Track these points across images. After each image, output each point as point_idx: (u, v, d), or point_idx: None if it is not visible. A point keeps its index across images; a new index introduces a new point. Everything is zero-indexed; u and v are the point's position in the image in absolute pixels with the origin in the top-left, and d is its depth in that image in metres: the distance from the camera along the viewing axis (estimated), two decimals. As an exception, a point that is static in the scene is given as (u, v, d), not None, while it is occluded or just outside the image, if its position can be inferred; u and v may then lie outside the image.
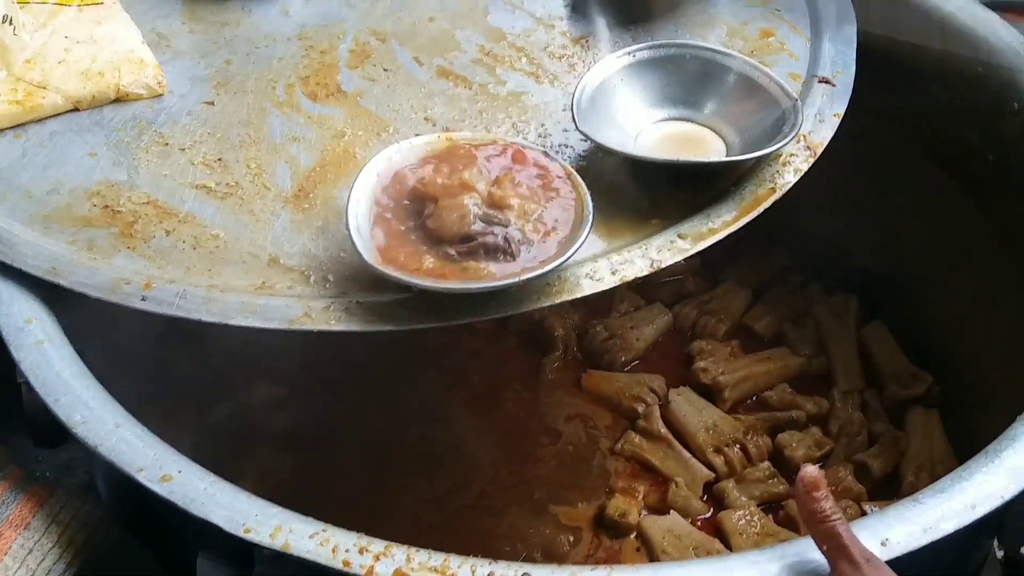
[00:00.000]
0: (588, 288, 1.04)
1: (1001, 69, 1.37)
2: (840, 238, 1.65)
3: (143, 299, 1.01)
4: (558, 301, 1.03)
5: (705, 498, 1.42)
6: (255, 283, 1.03)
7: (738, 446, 1.46)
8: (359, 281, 1.03)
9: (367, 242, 1.00)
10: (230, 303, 1.02)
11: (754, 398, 1.54)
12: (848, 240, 1.65)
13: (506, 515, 1.39)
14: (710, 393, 1.53)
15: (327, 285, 1.03)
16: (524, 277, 0.98)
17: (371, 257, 0.98)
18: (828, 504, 0.86)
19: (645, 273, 1.06)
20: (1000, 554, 1.46)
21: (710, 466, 1.44)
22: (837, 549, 0.84)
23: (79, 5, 1.25)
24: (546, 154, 1.08)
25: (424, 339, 1.57)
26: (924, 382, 1.52)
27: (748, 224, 1.66)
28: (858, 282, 1.65)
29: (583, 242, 1.01)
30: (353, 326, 1.00)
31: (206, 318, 1.01)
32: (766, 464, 1.44)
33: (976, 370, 1.48)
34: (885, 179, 1.58)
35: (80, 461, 1.61)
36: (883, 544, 0.90)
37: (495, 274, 0.99)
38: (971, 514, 0.92)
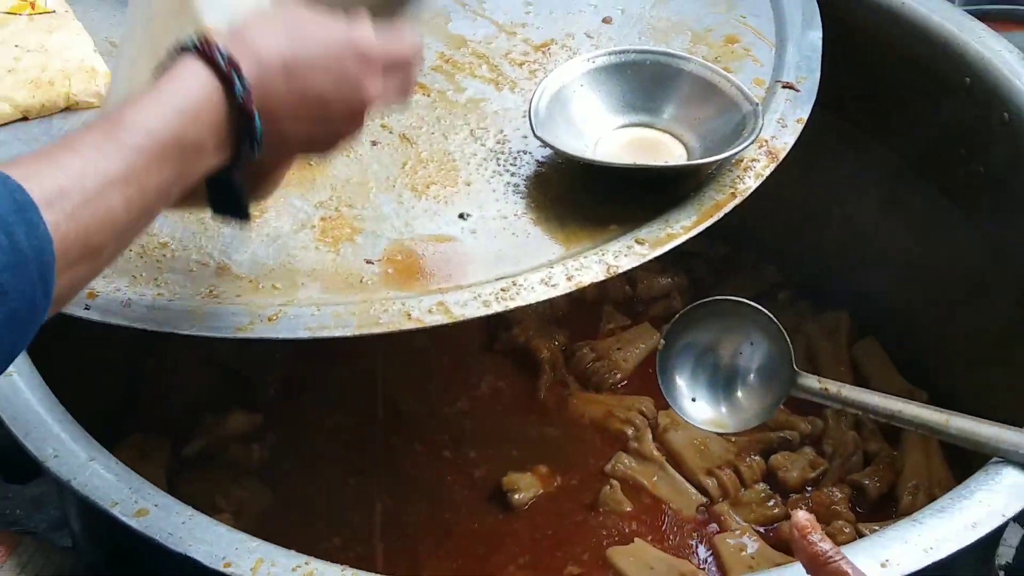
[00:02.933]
0: (543, 294, 1.10)
1: (988, 79, 1.44)
2: (832, 255, 1.72)
3: (86, 307, 1.07)
4: (513, 307, 1.10)
5: (703, 515, 1.49)
6: (202, 291, 1.10)
7: (731, 468, 1.52)
8: (308, 288, 1.10)
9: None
10: (177, 312, 1.08)
11: None
12: (840, 257, 1.71)
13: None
14: None
15: (277, 292, 1.09)
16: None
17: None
18: (827, 546, 0.89)
19: (601, 278, 1.12)
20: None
21: (702, 488, 1.51)
22: None
23: (30, 14, 1.32)
24: None
25: (408, 359, 1.63)
26: (920, 399, 1.54)
27: (734, 238, 1.76)
28: (850, 299, 1.71)
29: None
30: (299, 332, 1.06)
31: (151, 327, 1.06)
32: (762, 486, 1.51)
33: (972, 387, 1.53)
34: (876, 194, 1.65)
35: (50, 497, 1.67)
36: (883, 566, 0.96)
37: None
38: (972, 533, 0.98)
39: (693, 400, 1.22)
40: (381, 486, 1.48)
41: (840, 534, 1.42)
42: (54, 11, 1.35)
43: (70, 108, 1.27)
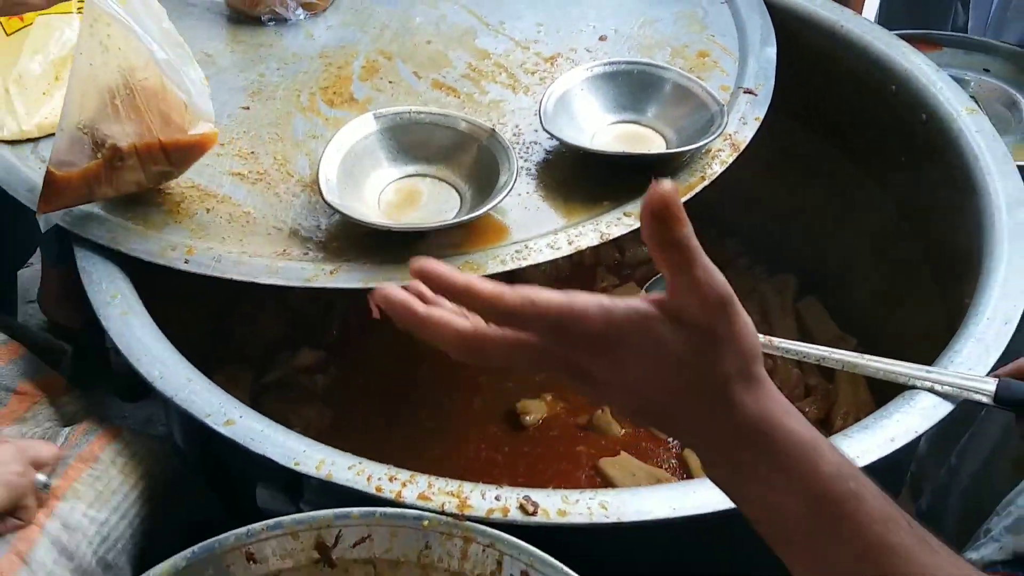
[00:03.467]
0: (548, 254, 1.11)
1: (911, 87, 1.42)
2: (780, 229, 1.70)
3: (186, 262, 1.09)
4: (524, 265, 1.10)
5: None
6: (278, 250, 1.11)
7: (696, 399, 1.51)
8: (359, 249, 1.10)
9: (334, 190, 1.08)
10: (257, 266, 1.09)
11: None
12: (787, 230, 1.69)
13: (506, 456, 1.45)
14: None
15: (335, 252, 1.10)
16: (452, 220, 1.07)
17: (332, 198, 1.07)
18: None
19: (596, 243, 1.12)
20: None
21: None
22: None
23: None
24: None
25: None
26: (849, 344, 1.55)
27: (704, 217, 1.73)
28: (795, 264, 1.68)
29: (505, 195, 1.08)
30: (354, 283, 1.07)
31: (237, 277, 1.08)
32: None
33: (892, 333, 1.51)
34: (815, 179, 1.62)
35: (159, 416, 1.68)
36: None
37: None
38: (891, 445, 0.97)
39: None
40: (420, 407, 1.48)
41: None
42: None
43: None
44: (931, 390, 1.02)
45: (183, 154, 1.11)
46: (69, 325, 1.79)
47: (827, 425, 1.48)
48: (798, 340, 1.57)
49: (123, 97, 1.04)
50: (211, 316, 1.51)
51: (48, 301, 1.84)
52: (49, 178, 1.07)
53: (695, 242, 0.62)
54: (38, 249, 1.82)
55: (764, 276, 1.71)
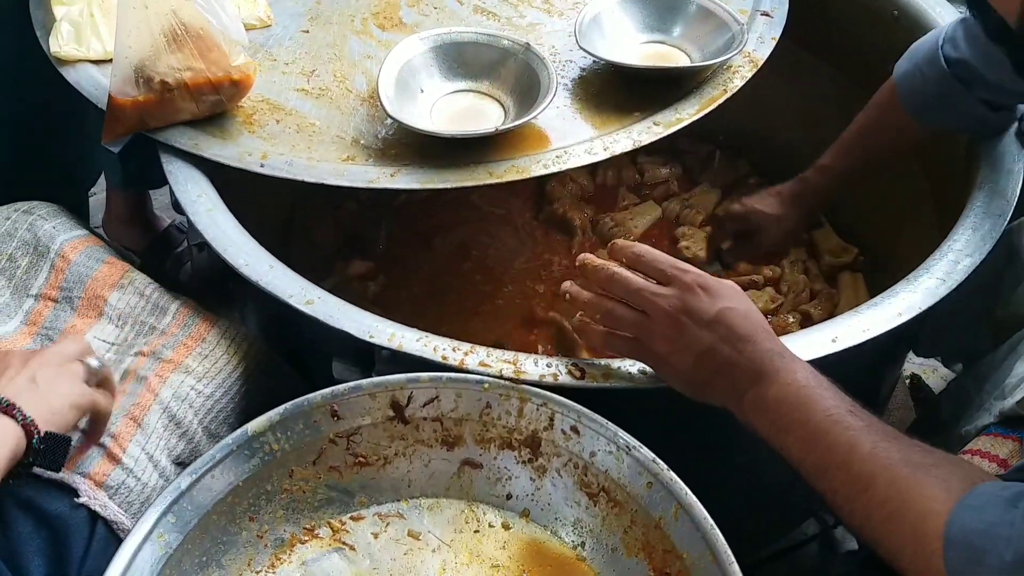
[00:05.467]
0: (587, 159, 1.16)
1: (910, 12, 1.45)
2: (788, 149, 1.72)
3: (261, 166, 1.14)
4: (564, 168, 1.15)
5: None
6: (342, 156, 1.16)
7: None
8: (415, 155, 1.15)
9: (393, 103, 1.13)
10: (325, 169, 1.14)
11: None
12: (796, 151, 1.70)
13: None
14: (691, 264, 1.62)
15: (394, 158, 1.15)
16: (503, 127, 1.11)
17: (391, 110, 1.12)
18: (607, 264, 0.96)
19: (629, 148, 1.17)
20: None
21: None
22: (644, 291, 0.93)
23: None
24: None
25: (477, 229, 1.66)
26: (851, 252, 1.61)
27: (716, 140, 1.79)
28: (802, 180, 1.72)
29: (549, 102, 1.12)
30: (413, 184, 1.12)
31: (308, 179, 1.13)
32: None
33: (888, 243, 1.57)
34: (824, 103, 1.65)
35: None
36: (833, 340, 1.01)
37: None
38: (898, 319, 1.03)
39: None
40: (460, 311, 1.54)
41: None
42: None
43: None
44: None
45: (232, 90, 1.16)
46: (131, 247, 1.85)
47: (832, 325, 1.53)
48: (804, 251, 1.66)
49: (169, 35, 1.09)
50: (272, 228, 1.56)
51: (111, 224, 1.89)
52: (111, 104, 1.12)
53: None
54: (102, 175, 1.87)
55: (772, 193, 1.75)
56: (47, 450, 0.85)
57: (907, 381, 1.64)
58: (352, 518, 0.97)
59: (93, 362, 0.93)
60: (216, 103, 1.17)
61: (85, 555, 0.89)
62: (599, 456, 0.93)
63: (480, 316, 1.54)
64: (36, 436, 0.84)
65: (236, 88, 1.16)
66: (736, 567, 0.82)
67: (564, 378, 0.97)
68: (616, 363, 0.99)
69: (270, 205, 1.42)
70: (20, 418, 0.84)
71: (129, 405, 0.99)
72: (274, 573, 0.93)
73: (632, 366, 0.98)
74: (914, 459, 0.79)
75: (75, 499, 0.92)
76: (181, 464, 1.02)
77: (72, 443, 0.90)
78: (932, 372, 1.69)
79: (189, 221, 1.12)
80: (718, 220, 1.64)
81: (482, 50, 1.23)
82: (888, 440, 0.81)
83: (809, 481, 0.85)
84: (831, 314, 1.55)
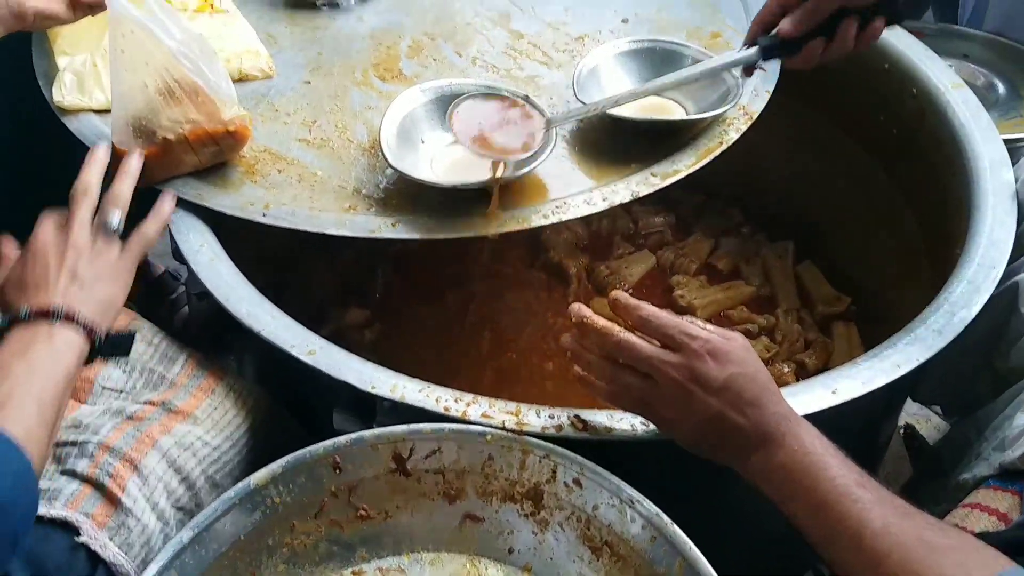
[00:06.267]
0: (585, 210, 1.16)
1: (902, 65, 1.47)
2: (780, 199, 1.76)
3: (264, 215, 1.14)
4: (564, 219, 1.15)
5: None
6: (344, 206, 1.16)
7: (709, 352, 1.57)
8: (416, 205, 1.16)
9: (394, 154, 1.14)
10: (327, 219, 1.14)
11: (720, 315, 1.65)
12: (787, 201, 1.75)
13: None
14: (686, 313, 1.57)
15: (395, 207, 1.16)
16: (504, 176, 1.11)
17: (393, 160, 1.12)
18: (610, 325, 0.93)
19: (627, 200, 1.18)
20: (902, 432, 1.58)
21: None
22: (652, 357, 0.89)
23: (211, 12, 1.37)
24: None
25: (474, 278, 1.66)
26: (844, 302, 1.62)
27: (709, 190, 1.81)
28: (793, 231, 1.74)
29: (549, 154, 1.13)
30: (414, 234, 1.13)
31: (310, 229, 1.13)
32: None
33: (881, 294, 1.58)
34: (814, 152, 1.67)
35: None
36: (833, 393, 1.01)
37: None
38: (897, 371, 1.03)
39: None
40: (458, 359, 1.53)
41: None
42: (227, 10, 1.39)
43: (242, 79, 1.32)
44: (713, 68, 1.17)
45: (230, 141, 1.17)
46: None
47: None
48: (797, 296, 1.67)
49: (164, 92, 1.10)
50: (269, 278, 1.56)
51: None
52: (117, 157, 1.12)
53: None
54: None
55: (765, 242, 1.77)
56: (112, 346, 0.92)
57: (901, 431, 1.64)
58: (353, 573, 0.96)
59: (113, 221, 0.97)
60: (216, 153, 1.17)
61: None
62: (602, 509, 0.93)
63: (476, 365, 1.53)
64: (98, 339, 0.90)
65: (234, 139, 1.17)
66: (742, 623, 0.82)
67: (567, 430, 0.97)
68: (618, 415, 0.99)
69: (268, 252, 1.41)
70: (81, 325, 0.88)
71: (127, 449, 0.98)
72: (274, 628, 0.91)
73: (634, 418, 0.98)
74: (929, 539, 0.77)
75: (76, 537, 0.90)
76: (182, 510, 1.01)
77: (135, 336, 0.98)
78: (926, 422, 1.70)
79: (190, 270, 1.11)
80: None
81: (482, 102, 1.24)
82: (901, 517, 0.79)
83: (816, 550, 0.84)
84: (826, 363, 1.56)
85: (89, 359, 0.91)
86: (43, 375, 0.85)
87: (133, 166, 1.05)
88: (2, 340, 0.87)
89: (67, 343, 0.88)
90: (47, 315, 0.88)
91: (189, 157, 1.15)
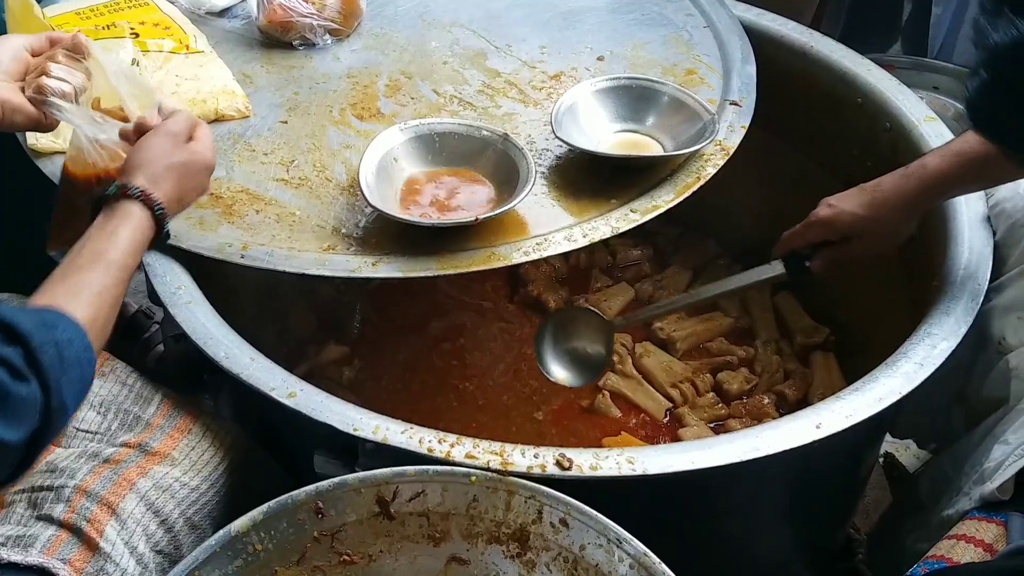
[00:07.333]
0: (566, 246, 1.17)
1: (875, 99, 1.49)
2: (757, 231, 1.74)
3: (242, 256, 1.14)
4: (545, 255, 1.16)
5: (667, 419, 1.54)
6: (323, 246, 1.16)
7: (689, 382, 1.57)
8: (396, 243, 1.15)
9: (374, 193, 1.14)
10: (306, 259, 1.14)
11: (699, 347, 1.65)
12: (763, 232, 1.73)
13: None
14: (666, 345, 1.63)
15: (375, 246, 1.15)
16: (482, 216, 1.12)
17: (372, 200, 1.12)
18: None
19: (608, 236, 1.18)
20: (882, 460, 1.59)
21: (669, 397, 1.56)
22: None
23: (186, 53, 1.37)
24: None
25: (454, 314, 1.66)
26: (823, 333, 1.63)
27: (686, 222, 1.82)
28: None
29: (529, 191, 1.14)
30: (395, 272, 1.12)
31: (289, 270, 1.13)
32: (712, 395, 1.56)
33: (860, 325, 1.59)
34: (790, 186, 1.68)
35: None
36: (817, 427, 1.01)
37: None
38: (879, 404, 1.04)
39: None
40: (437, 396, 1.53)
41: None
42: (203, 51, 1.40)
43: (218, 119, 1.32)
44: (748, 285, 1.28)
45: None
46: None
47: (805, 404, 1.53)
48: (776, 328, 1.68)
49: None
50: (246, 316, 1.55)
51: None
52: (66, 182, 1.11)
53: None
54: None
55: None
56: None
57: (881, 460, 1.65)
58: (337, 618, 0.94)
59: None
60: None
61: None
62: (589, 549, 0.92)
63: (457, 403, 1.53)
64: (166, 223, 0.97)
65: None
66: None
67: (552, 469, 0.96)
68: (603, 453, 0.98)
69: (243, 291, 1.40)
70: (155, 206, 0.95)
71: (104, 492, 0.96)
72: None
73: (620, 456, 0.98)
74: None
75: (54, 584, 0.88)
76: (161, 553, 0.99)
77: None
78: (905, 450, 1.70)
79: (167, 313, 1.10)
80: (798, 229, 1.35)
81: (461, 140, 1.25)
82: None
83: None
84: (805, 394, 1.56)
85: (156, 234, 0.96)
86: (117, 248, 0.91)
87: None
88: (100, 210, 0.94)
89: (141, 217, 0.94)
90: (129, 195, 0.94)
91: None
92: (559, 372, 1.38)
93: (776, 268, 1.32)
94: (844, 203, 1.26)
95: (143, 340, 1.83)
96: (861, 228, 1.23)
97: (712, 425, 1.53)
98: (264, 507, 0.91)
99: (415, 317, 1.65)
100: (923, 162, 1.20)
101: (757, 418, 1.52)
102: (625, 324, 1.35)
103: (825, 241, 1.27)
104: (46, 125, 1.03)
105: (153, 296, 1.13)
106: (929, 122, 1.42)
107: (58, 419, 0.78)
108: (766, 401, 1.54)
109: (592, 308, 1.35)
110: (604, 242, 1.79)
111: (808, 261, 1.29)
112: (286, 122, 1.34)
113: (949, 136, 1.40)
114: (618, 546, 0.90)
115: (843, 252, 1.26)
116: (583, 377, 1.39)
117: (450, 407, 1.51)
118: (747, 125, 1.34)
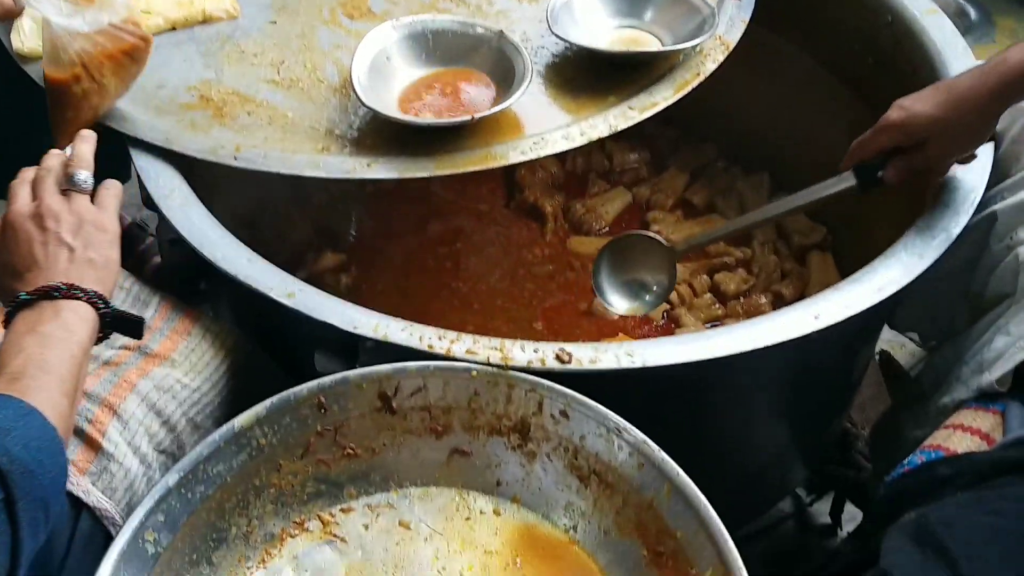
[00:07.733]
0: (563, 145, 1.15)
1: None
2: (755, 130, 1.74)
3: (235, 159, 1.12)
4: (542, 155, 1.14)
5: (664, 320, 1.54)
6: (317, 147, 1.14)
7: (687, 284, 1.57)
8: (391, 144, 1.14)
9: (368, 93, 1.12)
10: (300, 161, 1.13)
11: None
12: (762, 131, 1.73)
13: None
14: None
15: (370, 147, 1.14)
16: (479, 114, 1.10)
17: (366, 99, 1.10)
18: None
19: (606, 134, 1.17)
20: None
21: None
22: None
23: (173, -47, 1.34)
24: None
25: (449, 219, 1.66)
26: (820, 232, 1.63)
27: (686, 125, 1.79)
28: (769, 163, 1.73)
29: (525, 89, 1.12)
30: (391, 173, 1.11)
31: (284, 171, 1.12)
32: (709, 296, 1.57)
33: (856, 222, 1.57)
34: (789, 84, 1.66)
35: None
36: (816, 318, 1.01)
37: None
38: (879, 295, 1.03)
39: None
40: (434, 300, 1.53)
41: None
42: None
43: (206, 21, 1.30)
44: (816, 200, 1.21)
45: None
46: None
47: (802, 301, 1.55)
48: (774, 231, 1.67)
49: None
50: (241, 223, 1.54)
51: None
52: (51, 87, 1.10)
53: None
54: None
55: (740, 175, 1.76)
56: (122, 323, 0.90)
57: (877, 357, 1.66)
58: (342, 510, 0.96)
59: (81, 176, 0.93)
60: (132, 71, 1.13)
61: (68, 547, 0.88)
62: (589, 439, 0.93)
63: (455, 307, 1.53)
64: (102, 307, 0.86)
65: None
66: (731, 543, 0.83)
67: (551, 363, 0.97)
68: (603, 347, 0.99)
69: (237, 199, 1.39)
70: (85, 296, 0.85)
71: (104, 394, 0.97)
72: (265, 568, 0.92)
73: (619, 349, 0.98)
74: None
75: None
76: (164, 452, 1.01)
77: (144, 321, 0.93)
78: (900, 348, 1.72)
79: (162, 216, 1.10)
80: (868, 136, 1.23)
81: (456, 38, 1.22)
82: None
83: None
84: (802, 293, 1.57)
85: (102, 328, 0.87)
86: (57, 349, 0.81)
87: (88, 132, 0.99)
88: (8, 327, 0.84)
89: (76, 316, 0.84)
90: (47, 294, 0.84)
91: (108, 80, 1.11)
92: (620, 303, 1.31)
93: (847, 180, 1.19)
94: (917, 104, 1.13)
95: (139, 252, 1.82)
96: (938, 131, 1.11)
97: (709, 326, 1.53)
98: (267, 402, 0.92)
99: (412, 222, 1.64)
100: (1004, 56, 1.08)
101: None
102: (687, 249, 1.28)
103: (897, 148, 1.16)
104: (16, 11, 1.01)
105: (147, 201, 1.12)
106: (931, 15, 1.40)
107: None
108: (763, 301, 1.55)
109: (652, 235, 1.29)
110: (601, 146, 1.81)
111: (880, 171, 1.17)
112: (275, 22, 1.31)
113: (951, 28, 1.37)
114: (618, 435, 0.91)
115: (918, 159, 1.13)
116: (645, 306, 1.33)
117: (447, 312, 1.51)
118: (748, 19, 1.31)
